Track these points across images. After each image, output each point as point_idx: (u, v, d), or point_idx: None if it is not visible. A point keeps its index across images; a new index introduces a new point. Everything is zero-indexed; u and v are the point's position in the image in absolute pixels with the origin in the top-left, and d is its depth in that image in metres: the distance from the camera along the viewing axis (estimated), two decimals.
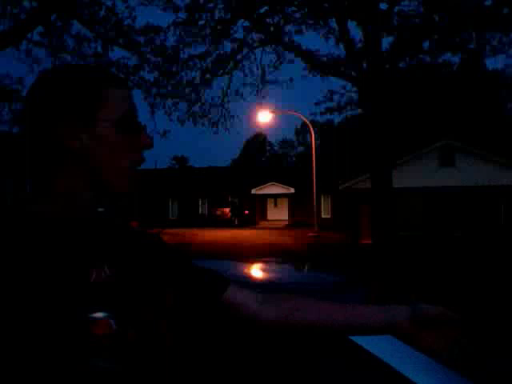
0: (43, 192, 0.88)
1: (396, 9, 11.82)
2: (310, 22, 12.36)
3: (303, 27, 12.32)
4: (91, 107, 0.87)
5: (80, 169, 0.88)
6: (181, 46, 12.33)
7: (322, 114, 14.66)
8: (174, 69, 12.47)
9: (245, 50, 12.90)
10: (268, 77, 13.47)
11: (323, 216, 29.25)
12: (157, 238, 1.01)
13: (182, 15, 11.91)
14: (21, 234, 0.81)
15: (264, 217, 33.76)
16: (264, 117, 22.21)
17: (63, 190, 0.87)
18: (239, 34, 12.57)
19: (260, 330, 1.01)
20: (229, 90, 13.36)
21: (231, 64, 13.02)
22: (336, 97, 13.60)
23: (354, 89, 12.81)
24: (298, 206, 31.68)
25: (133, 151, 0.90)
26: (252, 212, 32.31)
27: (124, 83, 0.94)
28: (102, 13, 11.24)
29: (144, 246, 0.96)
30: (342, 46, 11.96)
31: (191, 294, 0.97)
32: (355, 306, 1.02)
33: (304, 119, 25.26)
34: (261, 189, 32.75)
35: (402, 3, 11.85)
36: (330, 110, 14.33)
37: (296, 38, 12.40)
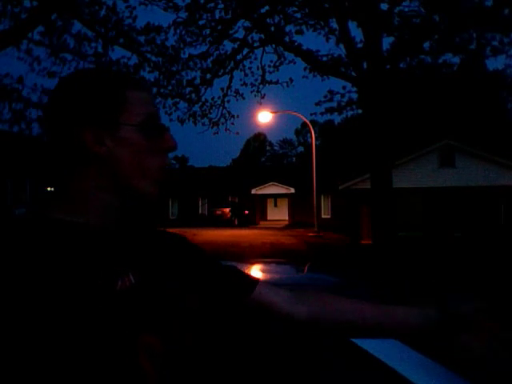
0: (67, 198, 0.87)
1: (396, 9, 11.82)
2: (311, 22, 12.37)
3: (304, 27, 12.33)
4: (114, 111, 0.86)
5: (104, 173, 0.86)
6: (181, 45, 12.34)
7: (322, 114, 14.62)
8: (174, 68, 12.47)
9: (245, 50, 12.91)
10: (268, 77, 13.48)
11: (323, 216, 29.24)
12: (182, 239, 1.00)
13: (183, 15, 11.92)
14: (48, 243, 0.79)
15: (264, 217, 33.75)
16: (264, 117, 22.21)
17: (87, 195, 0.86)
18: (240, 34, 12.56)
19: (292, 327, 1.00)
20: (229, 90, 13.37)
21: (231, 64, 13.03)
22: (336, 97, 13.54)
23: (354, 89, 12.80)
24: (298, 205, 31.67)
25: (157, 154, 0.89)
26: (252, 212, 32.29)
27: (145, 86, 0.92)
28: (103, 12, 11.25)
29: (169, 248, 0.95)
30: (342, 46, 11.96)
31: (217, 296, 0.96)
32: (389, 306, 1.00)
33: (304, 119, 25.26)
34: (261, 189, 32.74)
35: (403, 4, 11.84)
36: (330, 110, 14.32)
37: (296, 38, 12.41)
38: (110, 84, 0.87)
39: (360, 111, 13.95)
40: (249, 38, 12.60)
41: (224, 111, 13.68)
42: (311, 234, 21.67)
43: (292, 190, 31.67)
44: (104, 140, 0.85)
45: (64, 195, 0.87)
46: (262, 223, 31.87)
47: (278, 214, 33.89)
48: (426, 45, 12.44)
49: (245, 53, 12.92)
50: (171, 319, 0.86)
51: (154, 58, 12.21)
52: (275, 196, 33.68)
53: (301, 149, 57.24)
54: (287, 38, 12.47)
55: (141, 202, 0.92)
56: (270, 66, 13.25)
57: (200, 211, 34.51)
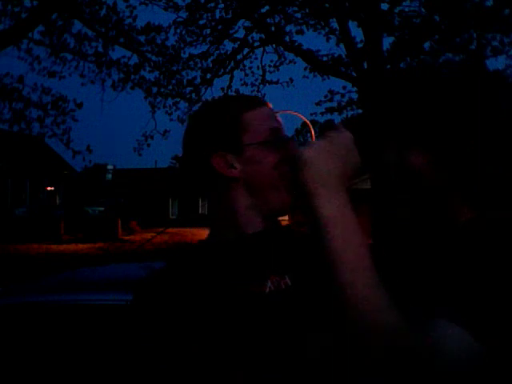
0: (220, 218, 0.95)
1: (397, 9, 11.82)
2: (311, 22, 12.36)
3: (304, 27, 12.33)
4: (234, 135, 0.92)
5: (244, 192, 0.92)
6: (181, 45, 12.33)
7: (322, 114, 14.59)
8: (174, 68, 12.47)
9: (245, 50, 12.91)
10: (268, 77, 13.48)
11: None
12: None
13: (183, 14, 11.91)
14: (210, 260, 0.90)
15: None
16: None
17: (236, 213, 0.93)
18: (240, 34, 12.55)
19: None
20: (229, 90, 13.37)
21: (232, 64, 13.02)
22: (336, 97, 13.52)
23: (355, 89, 12.81)
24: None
25: (284, 165, 0.92)
26: None
27: (261, 103, 0.97)
28: (103, 12, 11.25)
29: (309, 250, 0.98)
30: (342, 46, 11.96)
31: None
32: None
33: (304, 119, 25.22)
34: None
35: (403, 3, 11.84)
36: (330, 110, 14.29)
37: (297, 38, 12.43)
38: (226, 111, 0.94)
39: (360, 111, 13.94)
40: (249, 37, 12.60)
41: None
42: None
43: None
44: (233, 163, 0.92)
45: (216, 215, 0.96)
46: None
47: None
48: (427, 45, 12.44)
49: (245, 53, 12.92)
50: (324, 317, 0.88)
51: (154, 58, 12.21)
52: None
53: None
54: (287, 38, 12.47)
55: (279, 212, 0.97)
56: (270, 66, 13.24)
57: (200, 211, 34.53)
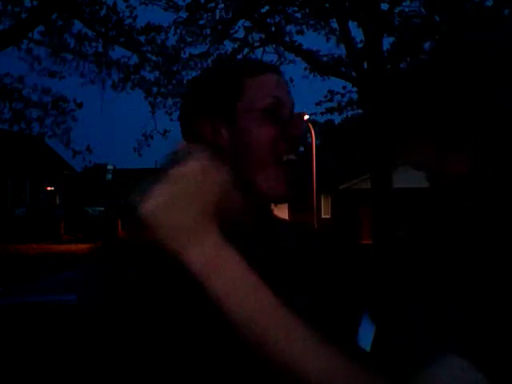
0: None
1: (397, 9, 11.82)
2: (311, 22, 12.36)
3: (304, 27, 12.33)
4: (228, 99, 0.79)
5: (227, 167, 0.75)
6: (182, 45, 12.33)
7: (322, 114, 14.58)
8: (174, 68, 12.46)
9: (245, 50, 12.90)
10: None
11: (323, 216, 29.21)
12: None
13: (183, 15, 11.91)
14: None
15: None
16: None
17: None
18: (240, 34, 12.55)
19: None
20: None
21: None
22: (336, 97, 13.51)
23: (355, 89, 12.81)
24: (298, 205, 31.65)
25: (282, 144, 0.79)
26: None
27: (269, 68, 0.83)
28: (103, 12, 11.24)
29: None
30: (342, 46, 11.97)
31: None
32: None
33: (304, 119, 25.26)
34: None
35: (403, 4, 11.84)
36: (330, 110, 14.27)
37: (297, 38, 12.43)
38: (226, 71, 0.82)
39: (360, 111, 13.95)
40: (249, 37, 12.60)
41: None
42: None
43: None
44: (220, 130, 0.79)
45: None
46: None
47: (278, 213, 33.82)
48: (427, 45, 12.44)
49: (245, 53, 12.91)
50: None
51: (154, 58, 12.20)
52: None
53: (301, 149, 57.22)
54: (288, 38, 12.47)
55: (266, 199, 0.82)
56: None
57: None
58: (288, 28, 12.56)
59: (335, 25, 12.25)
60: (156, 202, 0.65)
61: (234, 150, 0.77)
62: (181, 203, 0.64)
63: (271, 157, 0.78)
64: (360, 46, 11.91)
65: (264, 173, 0.78)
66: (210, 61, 12.74)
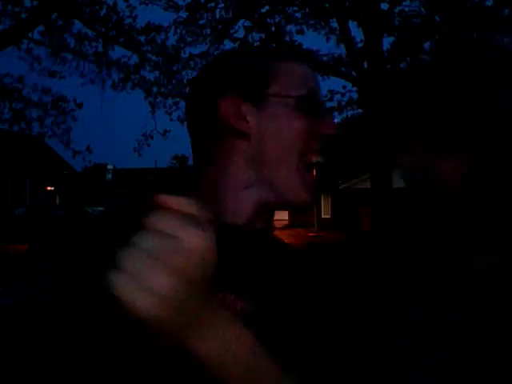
0: (200, 191, 0.70)
1: (397, 9, 11.82)
2: (311, 21, 12.37)
3: (304, 27, 12.35)
4: (259, 78, 0.69)
5: (241, 158, 0.67)
6: (182, 45, 12.35)
7: None
8: (174, 68, 12.47)
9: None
10: None
11: (323, 216, 29.24)
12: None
13: (183, 14, 11.92)
14: None
15: None
16: None
17: (218, 189, 0.68)
18: (240, 34, 12.56)
19: None
20: None
21: None
22: (336, 96, 13.52)
23: (355, 89, 12.82)
24: None
25: (312, 144, 0.70)
26: None
27: (305, 61, 0.76)
28: (103, 12, 11.25)
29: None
30: (342, 46, 11.98)
31: None
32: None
33: None
34: None
35: (403, 3, 11.84)
36: (330, 110, 14.29)
37: (297, 38, 12.46)
38: (253, 55, 0.74)
39: (360, 111, 13.95)
40: (249, 37, 12.60)
41: None
42: (311, 234, 21.67)
43: None
44: (246, 114, 0.68)
45: (200, 188, 0.70)
46: None
47: (278, 213, 33.60)
48: (427, 45, 12.44)
49: None
50: None
51: (154, 58, 12.22)
52: None
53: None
54: (288, 38, 12.47)
55: (283, 204, 0.71)
56: None
57: None
58: (288, 28, 12.59)
59: (335, 25, 12.28)
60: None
61: (259, 140, 0.67)
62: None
63: (299, 154, 0.69)
64: (360, 45, 11.92)
65: (288, 173, 0.69)
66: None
